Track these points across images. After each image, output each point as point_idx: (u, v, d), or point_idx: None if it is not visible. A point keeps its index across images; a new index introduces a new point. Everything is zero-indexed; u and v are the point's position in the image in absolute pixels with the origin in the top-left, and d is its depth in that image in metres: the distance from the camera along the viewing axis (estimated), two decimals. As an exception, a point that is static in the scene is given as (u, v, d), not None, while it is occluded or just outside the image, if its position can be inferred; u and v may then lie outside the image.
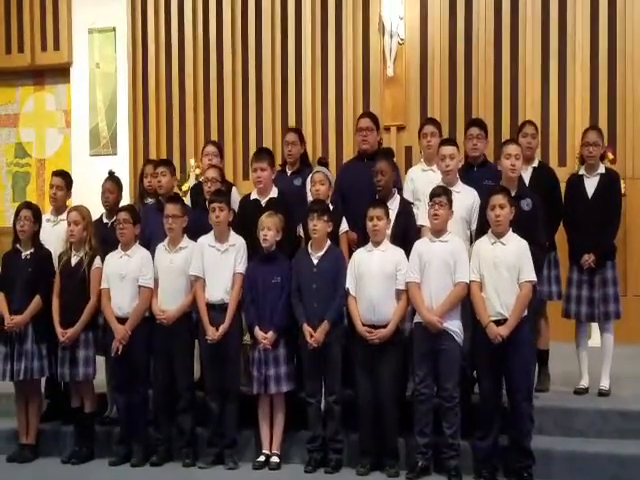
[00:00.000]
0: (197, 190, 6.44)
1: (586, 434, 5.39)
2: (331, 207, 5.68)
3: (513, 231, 5.12)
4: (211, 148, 6.51)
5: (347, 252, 5.62)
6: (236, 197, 6.19)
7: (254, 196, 5.92)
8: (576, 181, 5.94)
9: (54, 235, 5.99)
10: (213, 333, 5.49)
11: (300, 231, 5.76)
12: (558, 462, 5.15)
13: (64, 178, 6.21)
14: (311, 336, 5.31)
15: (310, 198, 5.80)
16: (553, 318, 6.03)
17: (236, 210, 5.94)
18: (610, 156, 7.77)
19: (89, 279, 5.70)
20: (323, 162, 6.08)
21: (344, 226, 5.75)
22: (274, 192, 5.88)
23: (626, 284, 7.83)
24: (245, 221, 5.76)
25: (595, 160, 5.89)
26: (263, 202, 5.82)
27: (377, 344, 5.21)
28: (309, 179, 5.93)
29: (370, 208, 5.33)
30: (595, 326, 6.27)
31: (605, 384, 5.81)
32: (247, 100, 9.36)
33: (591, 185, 5.86)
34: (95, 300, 5.69)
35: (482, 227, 5.28)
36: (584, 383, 5.87)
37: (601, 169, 5.92)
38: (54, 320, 5.69)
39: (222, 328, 5.49)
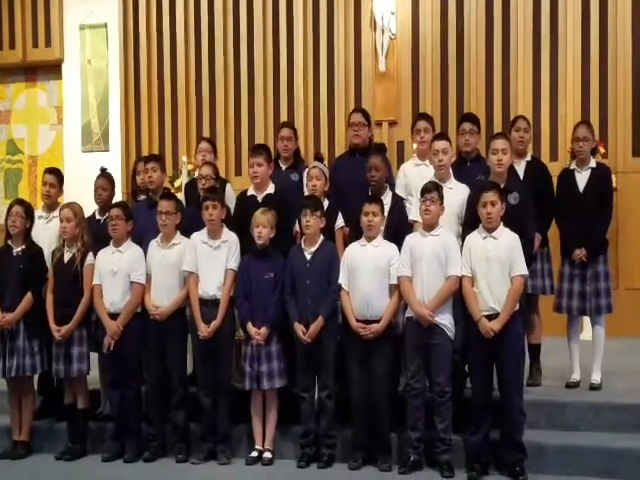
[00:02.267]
0: (191, 187, 6.44)
1: (578, 428, 5.40)
2: (327, 202, 5.69)
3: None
4: (205, 145, 6.51)
5: (342, 247, 5.61)
6: (231, 194, 6.19)
7: (251, 192, 5.91)
8: (567, 175, 5.95)
9: (47, 232, 5.99)
10: (205, 329, 5.50)
11: (297, 227, 5.75)
12: (550, 456, 5.16)
13: (57, 175, 6.21)
14: (303, 333, 5.33)
15: (307, 194, 5.80)
16: (545, 313, 6.04)
17: (231, 206, 5.95)
18: (602, 150, 7.79)
19: (82, 275, 5.70)
20: (319, 157, 6.06)
21: (340, 221, 5.75)
22: (271, 188, 5.87)
23: (618, 277, 7.86)
24: (242, 217, 5.75)
25: (585, 155, 5.89)
26: (260, 198, 5.81)
27: (371, 339, 5.22)
28: (305, 174, 5.93)
29: (366, 203, 5.33)
30: (587, 320, 6.29)
31: (596, 378, 5.82)
32: (239, 96, 9.36)
33: (582, 179, 5.86)
34: (89, 296, 5.69)
35: (471, 221, 5.27)
36: (575, 377, 5.88)
37: (592, 163, 5.93)
38: (48, 316, 5.69)
39: (213, 325, 5.50)
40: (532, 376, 5.90)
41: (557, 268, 5.99)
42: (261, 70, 9.26)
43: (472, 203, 5.25)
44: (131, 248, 5.73)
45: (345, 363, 5.39)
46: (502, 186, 5.29)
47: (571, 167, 5.97)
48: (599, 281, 5.81)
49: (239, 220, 5.77)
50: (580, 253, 5.75)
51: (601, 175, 5.92)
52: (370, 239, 5.35)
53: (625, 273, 8.11)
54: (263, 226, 5.47)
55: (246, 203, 5.86)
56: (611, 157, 8.10)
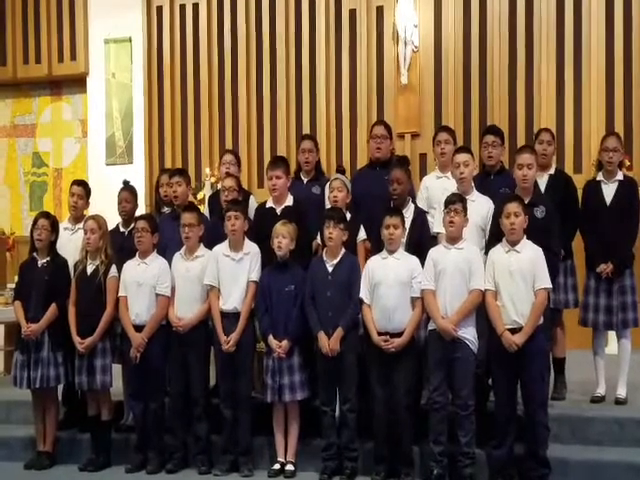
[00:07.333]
0: (215, 199, 6.46)
1: (603, 443, 5.35)
2: (349, 215, 5.70)
3: (527, 239, 5.11)
4: (229, 157, 6.52)
5: (364, 261, 5.58)
6: (254, 206, 6.20)
7: (269, 204, 5.93)
8: (594, 187, 5.89)
9: (72, 244, 6.02)
10: (225, 342, 5.51)
11: (318, 239, 5.75)
12: (574, 471, 5.12)
13: (84, 187, 6.27)
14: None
15: (328, 206, 5.80)
16: (569, 326, 6.00)
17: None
18: (627, 163, 7.72)
19: (105, 288, 5.73)
20: (341, 170, 6.05)
21: (362, 234, 5.74)
22: (289, 200, 5.89)
23: (643, 291, 7.77)
24: (260, 229, 5.77)
25: (614, 166, 5.83)
26: (278, 210, 5.83)
27: (393, 352, 5.20)
28: (327, 187, 5.93)
29: (387, 216, 5.31)
30: (612, 334, 6.22)
31: (622, 392, 5.76)
32: (261, 108, 9.41)
33: (609, 191, 5.80)
34: (111, 309, 5.72)
35: (496, 234, 5.25)
36: (601, 391, 5.83)
37: (619, 176, 5.85)
38: (71, 328, 5.72)
39: (233, 337, 5.51)
40: (557, 390, 5.85)
41: (582, 281, 5.94)
42: (283, 82, 9.31)
43: (497, 217, 5.23)
44: (157, 260, 5.75)
45: (367, 376, 5.38)
46: (528, 200, 5.26)
47: (597, 179, 5.92)
48: (626, 295, 5.76)
49: (257, 232, 5.78)
50: (607, 268, 5.69)
51: (629, 188, 5.85)
52: (391, 252, 5.33)
53: (650, 286, 8.03)
54: (283, 237, 5.48)
55: (265, 215, 5.88)
56: (636, 170, 8.04)
